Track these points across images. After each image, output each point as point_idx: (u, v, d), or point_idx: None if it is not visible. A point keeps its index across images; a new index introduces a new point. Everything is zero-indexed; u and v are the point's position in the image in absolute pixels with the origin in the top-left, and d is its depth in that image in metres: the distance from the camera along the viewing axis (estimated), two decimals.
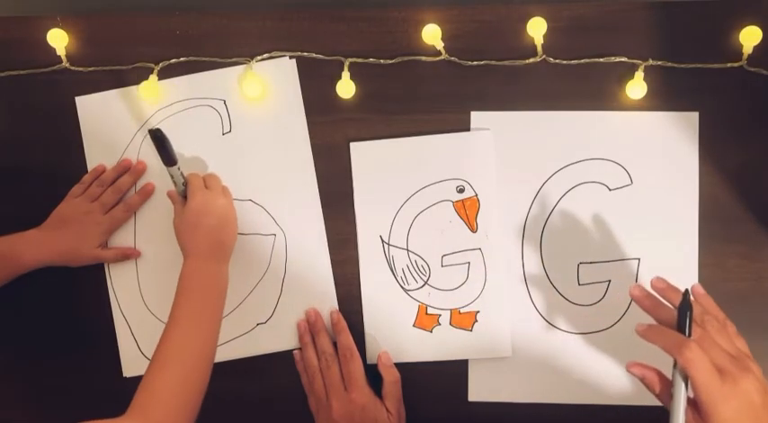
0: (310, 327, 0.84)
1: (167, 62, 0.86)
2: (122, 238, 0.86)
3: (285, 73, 0.85)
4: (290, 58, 0.85)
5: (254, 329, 0.85)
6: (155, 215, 0.86)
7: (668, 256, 0.82)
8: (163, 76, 0.86)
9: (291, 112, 0.85)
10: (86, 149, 0.87)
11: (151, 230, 0.86)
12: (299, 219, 0.85)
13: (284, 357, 0.85)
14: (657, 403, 0.81)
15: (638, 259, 0.82)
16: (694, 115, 0.82)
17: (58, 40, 0.86)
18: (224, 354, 0.85)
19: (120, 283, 0.86)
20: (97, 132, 0.87)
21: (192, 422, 0.71)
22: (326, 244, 0.85)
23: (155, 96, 0.85)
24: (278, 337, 0.85)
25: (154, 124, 0.86)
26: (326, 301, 0.85)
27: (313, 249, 0.85)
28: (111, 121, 0.87)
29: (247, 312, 0.85)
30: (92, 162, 0.87)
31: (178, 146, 0.84)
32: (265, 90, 0.85)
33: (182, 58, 0.86)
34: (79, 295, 0.87)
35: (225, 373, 0.84)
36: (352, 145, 0.85)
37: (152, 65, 0.86)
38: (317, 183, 0.85)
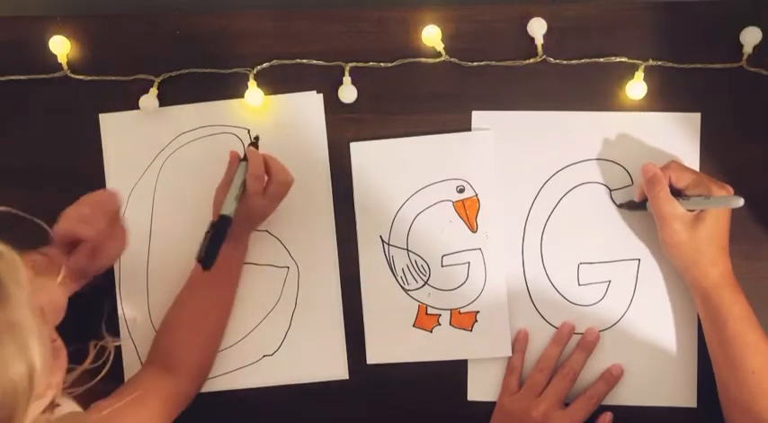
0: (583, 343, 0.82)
1: (168, 74, 0.86)
2: (135, 258, 0.86)
3: (311, 107, 0.85)
4: (318, 92, 0.85)
5: (260, 361, 0.85)
6: (168, 233, 0.86)
7: (668, 256, 0.82)
8: (164, 85, 0.86)
9: (314, 147, 0.85)
10: (106, 168, 0.86)
11: (164, 251, 0.86)
12: (313, 254, 0.85)
13: (288, 391, 0.85)
14: (657, 404, 0.81)
15: (639, 260, 0.82)
16: (696, 116, 0.82)
17: (60, 47, 0.85)
18: (228, 383, 0.85)
19: (129, 302, 0.86)
20: (118, 151, 0.87)
21: (202, 371, 0.82)
22: (339, 282, 0.85)
23: (156, 110, 0.86)
24: (283, 371, 0.84)
25: (174, 148, 0.86)
26: (334, 338, 0.84)
27: (325, 286, 0.85)
28: (133, 141, 0.86)
29: (255, 343, 0.85)
30: (111, 180, 0.86)
31: (198, 171, 0.85)
32: (288, 122, 0.86)
33: (183, 70, 0.86)
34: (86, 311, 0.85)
35: (227, 402, 0.85)
36: (353, 145, 0.85)
37: (152, 77, 0.86)
38: (334, 220, 0.85)
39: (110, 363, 0.61)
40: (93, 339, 0.63)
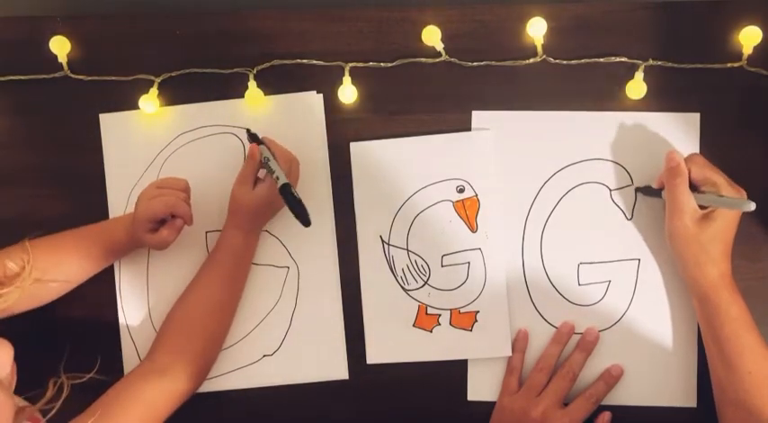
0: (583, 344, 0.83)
1: (168, 75, 0.86)
2: (135, 258, 0.86)
3: (311, 107, 0.85)
4: (318, 92, 0.86)
5: (261, 361, 0.85)
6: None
7: (668, 256, 0.82)
8: (164, 85, 0.86)
9: (315, 147, 0.85)
10: (106, 168, 0.87)
11: (164, 250, 0.84)
12: (313, 254, 0.85)
13: (288, 391, 0.85)
14: (657, 404, 0.81)
15: (639, 260, 0.82)
16: (696, 116, 0.82)
17: (60, 47, 0.86)
18: (228, 383, 0.85)
19: (129, 302, 0.86)
20: (118, 151, 0.87)
21: (203, 368, 0.81)
22: (339, 282, 0.85)
23: (156, 110, 0.86)
24: (283, 371, 0.85)
25: (174, 148, 0.86)
26: (334, 338, 0.84)
27: (325, 286, 0.85)
28: (133, 141, 0.87)
29: (255, 343, 0.85)
30: (111, 180, 0.86)
31: (198, 170, 0.85)
32: (288, 122, 0.86)
33: (183, 70, 0.86)
34: (87, 311, 0.86)
35: (227, 402, 0.85)
36: (352, 145, 0.85)
37: (152, 77, 0.86)
38: (334, 220, 0.85)
39: (61, 400, 0.62)
40: (52, 377, 0.64)
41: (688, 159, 0.77)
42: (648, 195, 0.81)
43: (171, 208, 0.79)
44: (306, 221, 0.74)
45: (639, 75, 0.82)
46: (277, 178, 0.76)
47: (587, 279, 0.83)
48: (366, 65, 0.85)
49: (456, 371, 0.83)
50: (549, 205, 0.84)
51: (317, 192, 0.85)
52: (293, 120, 0.86)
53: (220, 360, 0.84)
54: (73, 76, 0.86)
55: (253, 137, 0.81)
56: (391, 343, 0.84)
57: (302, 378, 0.84)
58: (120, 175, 0.86)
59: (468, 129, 0.85)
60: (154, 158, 0.86)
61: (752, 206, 0.70)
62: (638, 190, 0.82)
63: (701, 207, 0.75)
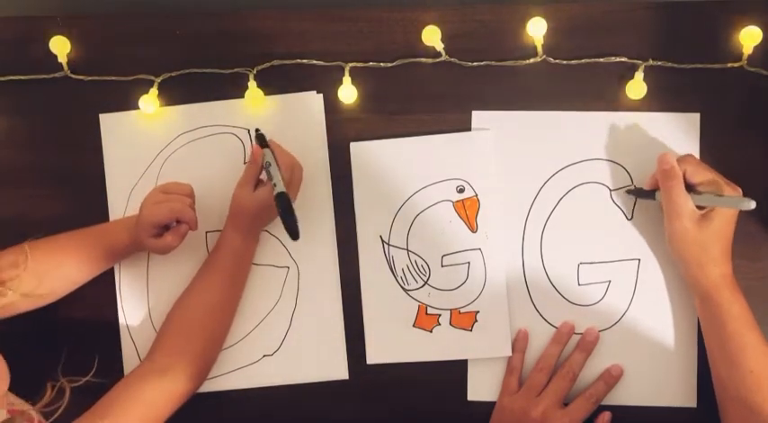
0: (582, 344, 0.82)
1: (168, 75, 0.86)
2: (135, 258, 0.86)
3: (311, 108, 0.85)
4: (318, 92, 0.85)
5: (261, 361, 0.85)
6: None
7: (668, 256, 0.82)
8: (164, 85, 0.86)
9: (315, 147, 0.85)
10: (106, 168, 0.87)
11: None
12: (313, 254, 0.85)
13: (288, 391, 0.85)
14: (657, 404, 0.81)
15: (639, 260, 0.82)
16: (696, 116, 0.82)
17: (60, 47, 0.86)
18: (228, 383, 0.85)
19: (129, 302, 0.86)
20: (118, 151, 0.87)
21: (203, 368, 0.81)
22: (339, 282, 0.85)
23: (156, 109, 0.86)
24: (284, 371, 0.85)
25: (174, 148, 0.86)
26: (334, 338, 0.84)
27: (325, 286, 0.85)
28: (133, 141, 0.87)
29: (255, 343, 0.85)
30: (111, 180, 0.86)
31: (198, 170, 0.85)
32: (288, 122, 0.86)
33: (183, 71, 0.86)
34: (87, 311, 0.86)
35: (227, 402, 0.85)
36: (353, 145, 0.85)
37: (152, 77, 0.86)
38: (334, 220, 0.85)
39: (64, 402, 0.62)
40: (51, 380, 0.64)
41: (681, 160, 0.76)
42: (641, 197, 0.81)
43: (177, 214, 0.79)
44: (294, 234, 0.72)
45: (639, 75, 0.82)
46: (275, 185, 0.76)
47: (587, 279, 0.83)
48: (366, 65, 0.85)
49: (456, 371, 0.84)
50: (549, 205, 0.84)
51: (317, 192, 0.85)
52: (293, 120, 0.86)
53: (220, 360, 0.84)
54: (73, 76, 0.86)
55: (260, 138, 0.81)
56: (391, 343, 0.84)
57: (302, 378, 0.85)
58: (120, 175, 0.86)
59: (468, 129, 0.85)
60: (154, 158, 0.86)
61: (752, 204, 0.70)
62: (629, 192, 0.82)
63: (699, 207, 0.75)
